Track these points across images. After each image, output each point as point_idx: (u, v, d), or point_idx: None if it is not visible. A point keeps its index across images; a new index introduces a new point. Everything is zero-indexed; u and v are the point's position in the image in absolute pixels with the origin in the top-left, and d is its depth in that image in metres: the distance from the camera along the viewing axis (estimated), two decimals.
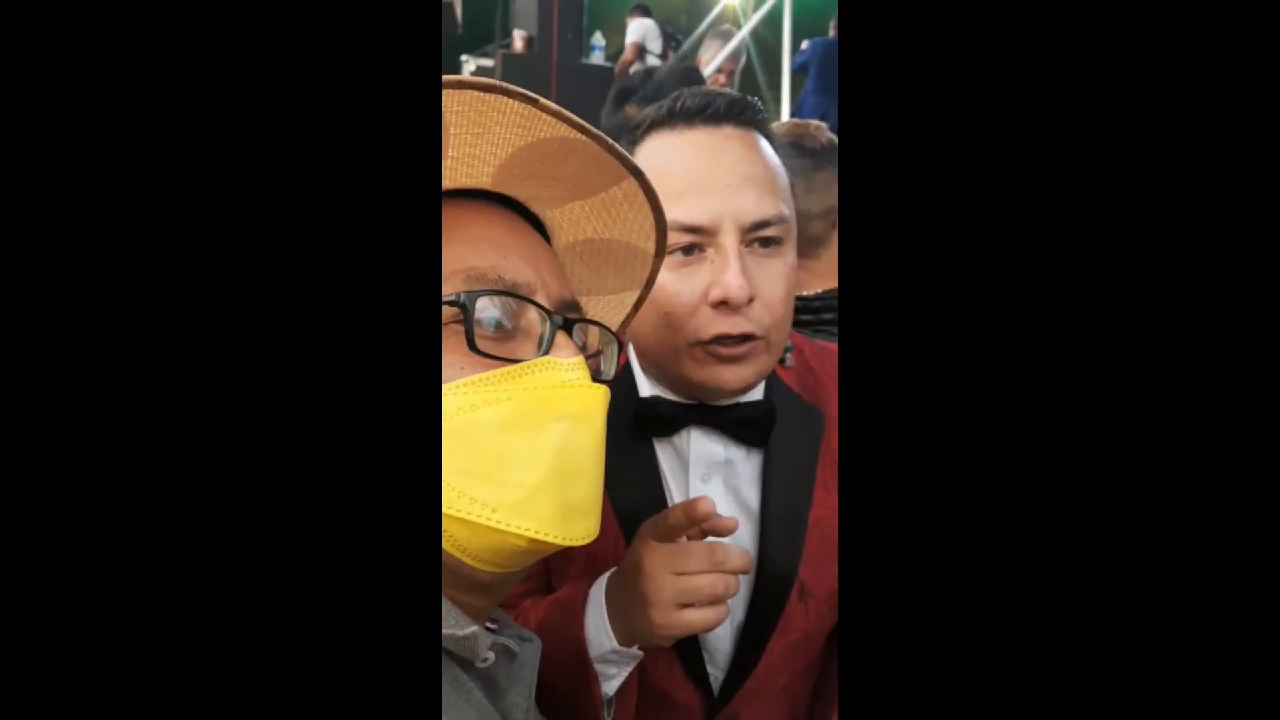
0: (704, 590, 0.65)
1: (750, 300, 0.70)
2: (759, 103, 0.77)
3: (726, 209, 0.70)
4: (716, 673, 0.80)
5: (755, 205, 0.70)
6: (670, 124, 0.74)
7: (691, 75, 1.69)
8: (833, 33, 4.99)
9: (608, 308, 0.67)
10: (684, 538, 0.68)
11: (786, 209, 0.73)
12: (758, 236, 0.71)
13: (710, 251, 0.71)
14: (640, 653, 0.70)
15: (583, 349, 0.55)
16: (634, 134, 0.76)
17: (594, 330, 0.58)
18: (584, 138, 0.49)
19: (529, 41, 4.65)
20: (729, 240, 0.70)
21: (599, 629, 0.69)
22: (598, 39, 5.03)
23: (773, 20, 4.99)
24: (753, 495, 0.80)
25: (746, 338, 0.71)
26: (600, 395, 0.51)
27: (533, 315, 0.51)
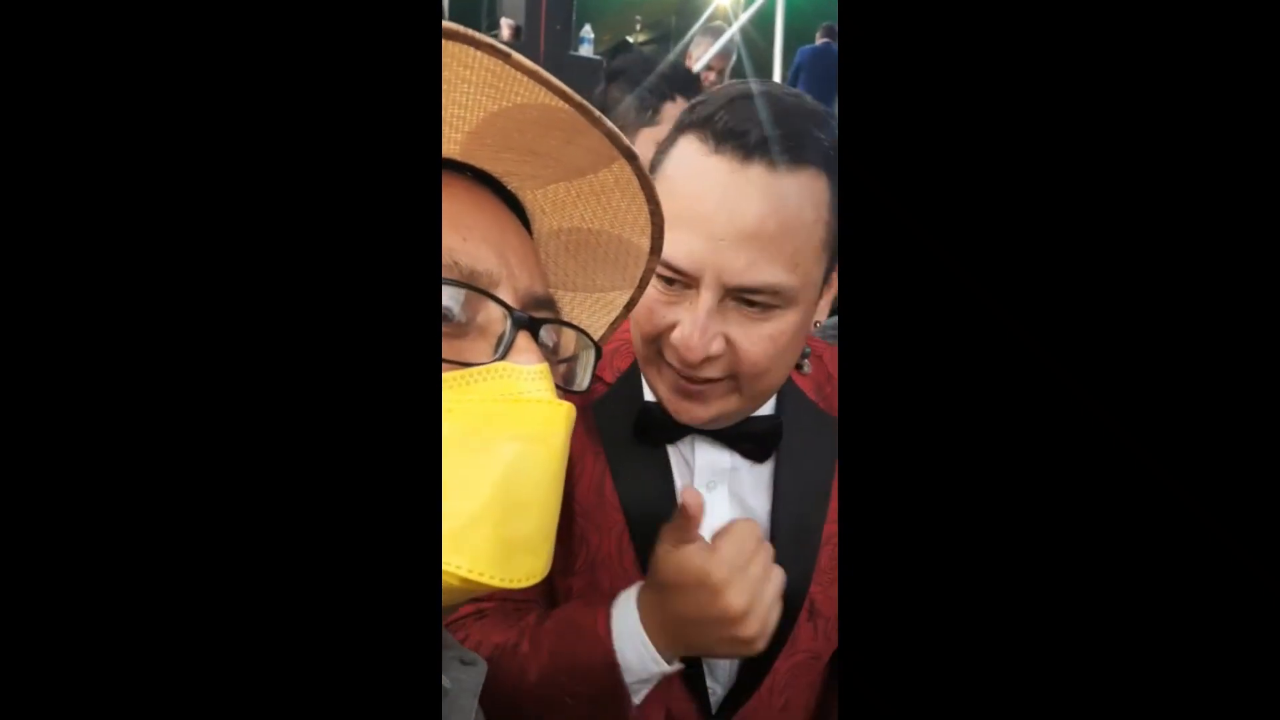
0: (777, 584, 0.64)
1: (711, 359, 0.64)
2: (826, 140, 0.64)
3: (711, 261, 0.62)
4: (717, 689, 0.77)
5: (744, 269, 0.61)
6: (703, 133, 0.64)
7: (679, 71, 1.64)
8: (819, 40, 5.01)
9: (594, 308, 0.59)
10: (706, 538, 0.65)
11: (793, 278, 0.63)
12: (745, 299, 0.63)
13: (691, 294, 0.64)
14: (682, 664, 0.67)
15: (553, 353, 0.47)
16: (689, 116, 0.67)
17: (569, 333, 0.50)
18: (567, 107, 0.41)
19: (517, 31, 4.58)
20: (706, 294, 0.62)
21: (641, 655, 0.65)
22: (587, 31, 4.98)
23: (764, 22, 4.97)
24: (759, 502, 0.76)
25: (707, 381, 0.66)
26: (563, 413, 0.42)
27: (493, 311, 0.43)
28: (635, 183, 0.48)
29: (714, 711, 0.76)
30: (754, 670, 0.75)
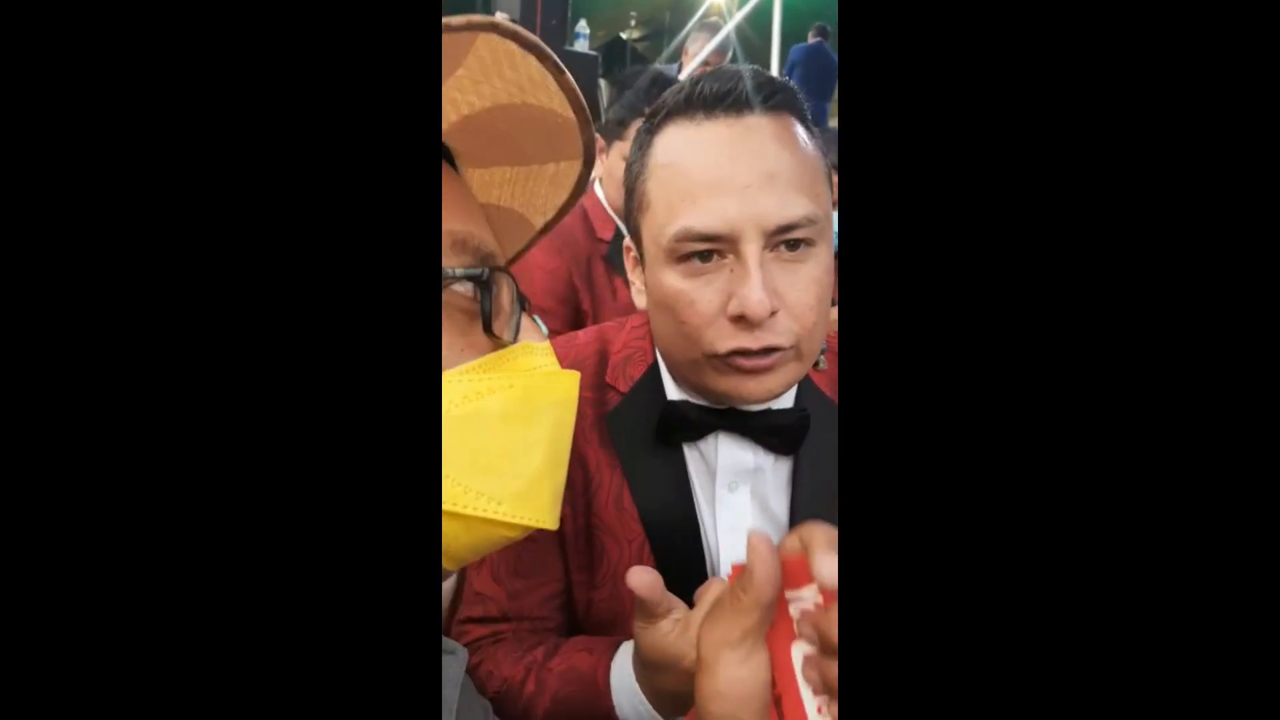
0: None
1: (773, 313, 0.63)
2: (790, 82, 0.69)
3: (746, 213, 0.62)
4: None
5: (780, 207, 0.63)
6: (689, 113, 0.66)
7: (661, 80, 1.65)
8: (811, 39, 5.02)
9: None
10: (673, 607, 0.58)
11: (819, 207, 0.65)
12: (784, 240, 0.64)
13: (730, 259, 0.64)
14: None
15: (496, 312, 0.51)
16: (652, 120, 0.69)
17: (506, 293, 0.53)
18: (571, 116, 0.44)
19: None
20: (750, 248, 0.63)
21: (640, 714, 0.64)
22: (582, 26, 4.95)
23: (760, 21, 4.97)
24: (782, 504, 0.75)
25: (770, 350, 0.64)
26: (576, 381, 0.48)
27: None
28: (572, 181, 0.51)
29: None
30: None
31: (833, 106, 5.39)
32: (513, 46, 0.40)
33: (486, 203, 0.54)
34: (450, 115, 0.46)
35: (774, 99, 0.66)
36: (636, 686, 0.64)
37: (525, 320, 0.46)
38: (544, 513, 0.44)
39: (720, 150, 0.64)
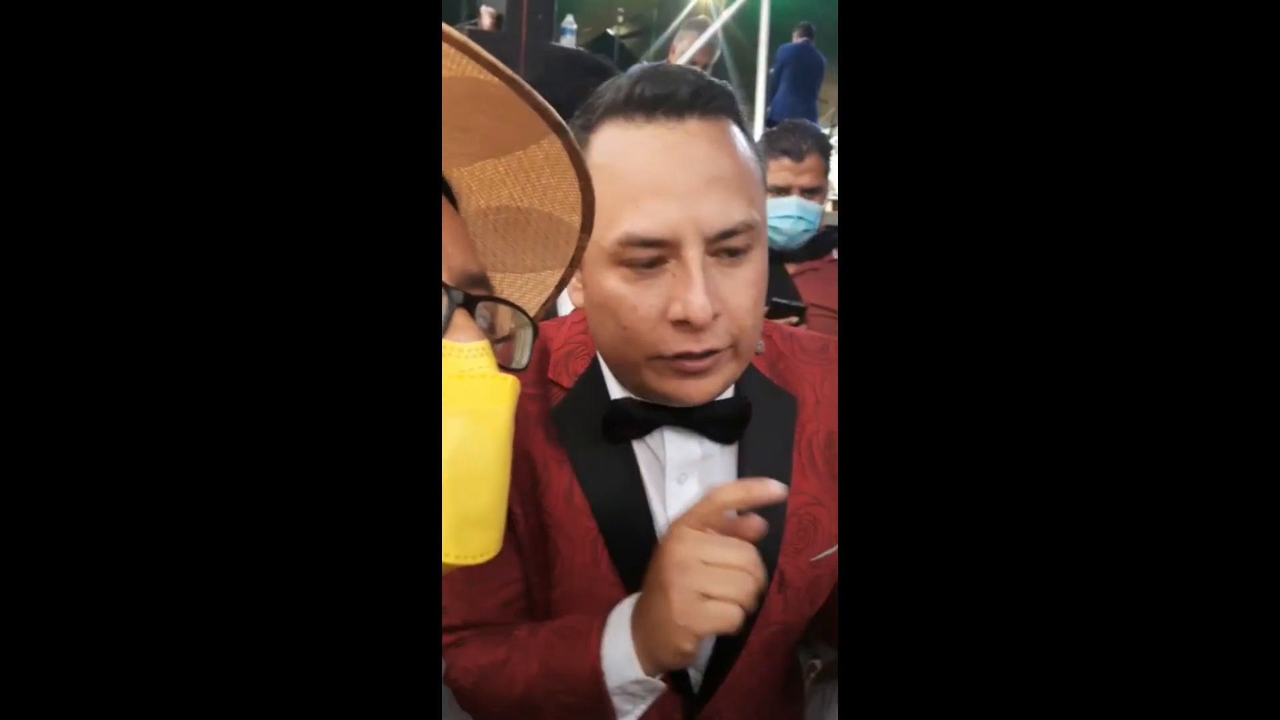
0: (734, 584, 0.60)
1: (715, 317, 0.63)
2: (728, 86, 0.68)
3: (689, 217, 0.62)
4: (695, 673, 0.77)
5: (721, 213, 0.62)
6: (627, 113, 0.65)
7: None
8: (796, 39, 5.02)
9: (525, 288, 0.58)
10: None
11: (756, 212, 0.65)
12: (724, 246, 0.64)
13: (672, 264, 0.64)
14: (663, 685, 0.64)
15: (490, 331, 0.47)
16: (588, 118, 0.68)
17: (504, 311, 0.49)
18: (497, 81, 0.40)
19: (497, 20, 4.49)
20: (692, 253, 0.62)
21: (623, 656, 0.64)
22: (569, 22, 4.90)
23: (748, 20, 4.96)
24: None
25: (711, 353, 0.64)
26: (507, 387, 0.42)
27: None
28: (565, 158, 0.47)
29: (696, 693, 0.76)
30: (727, 648, 0.75)
31: (822, 105, 5.39)
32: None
33: (506, 205, 0.51)
34: None
35: (713, 104, 0.65)
36: (629, 630, 0.65)
37: (461, 319, 0.42)
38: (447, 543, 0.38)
39: (661, 154, 0.63)
